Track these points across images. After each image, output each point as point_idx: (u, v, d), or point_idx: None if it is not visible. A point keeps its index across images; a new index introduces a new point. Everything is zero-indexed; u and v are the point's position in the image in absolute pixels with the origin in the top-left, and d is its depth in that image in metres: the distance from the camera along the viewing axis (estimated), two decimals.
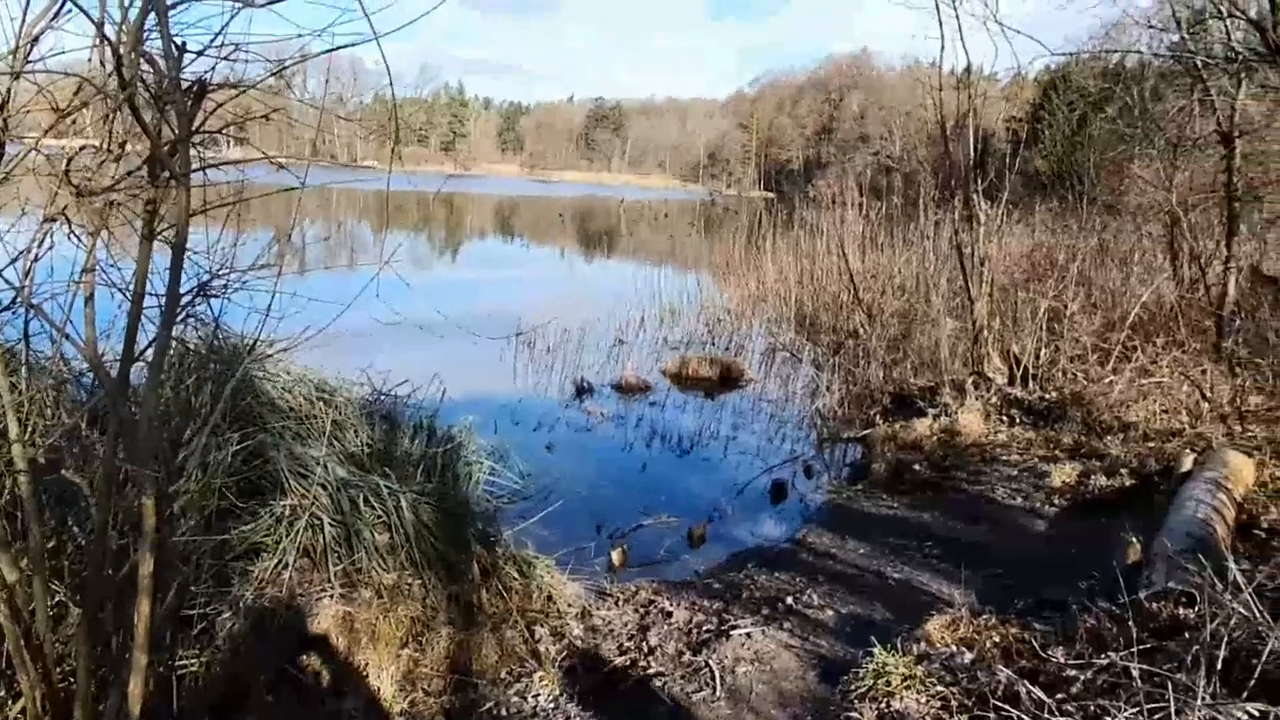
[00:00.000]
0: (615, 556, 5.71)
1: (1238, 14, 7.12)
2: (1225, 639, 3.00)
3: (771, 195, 68.27)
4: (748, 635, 4.42)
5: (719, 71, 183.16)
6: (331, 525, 4.25)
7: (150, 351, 2.16)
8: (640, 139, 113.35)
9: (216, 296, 2.52)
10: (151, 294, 2.22)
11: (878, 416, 8.95)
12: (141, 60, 2.06)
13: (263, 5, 2.04)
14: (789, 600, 4.94)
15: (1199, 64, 9.19)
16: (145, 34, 2.11)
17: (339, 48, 2.24)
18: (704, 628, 4.55)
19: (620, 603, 4.91)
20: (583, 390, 10.31)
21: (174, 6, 2.12)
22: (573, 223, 46.06)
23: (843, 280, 13.20)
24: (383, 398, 7.19)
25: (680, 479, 7.84)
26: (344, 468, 4.91)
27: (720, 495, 7.33)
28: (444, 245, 32.29)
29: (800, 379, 11.36)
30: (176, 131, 2.06)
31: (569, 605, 4.66)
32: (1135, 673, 2.94)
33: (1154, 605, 3.78)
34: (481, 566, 4.53)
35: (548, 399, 10.07)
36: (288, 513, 4.25)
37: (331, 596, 3.98)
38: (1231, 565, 3.34)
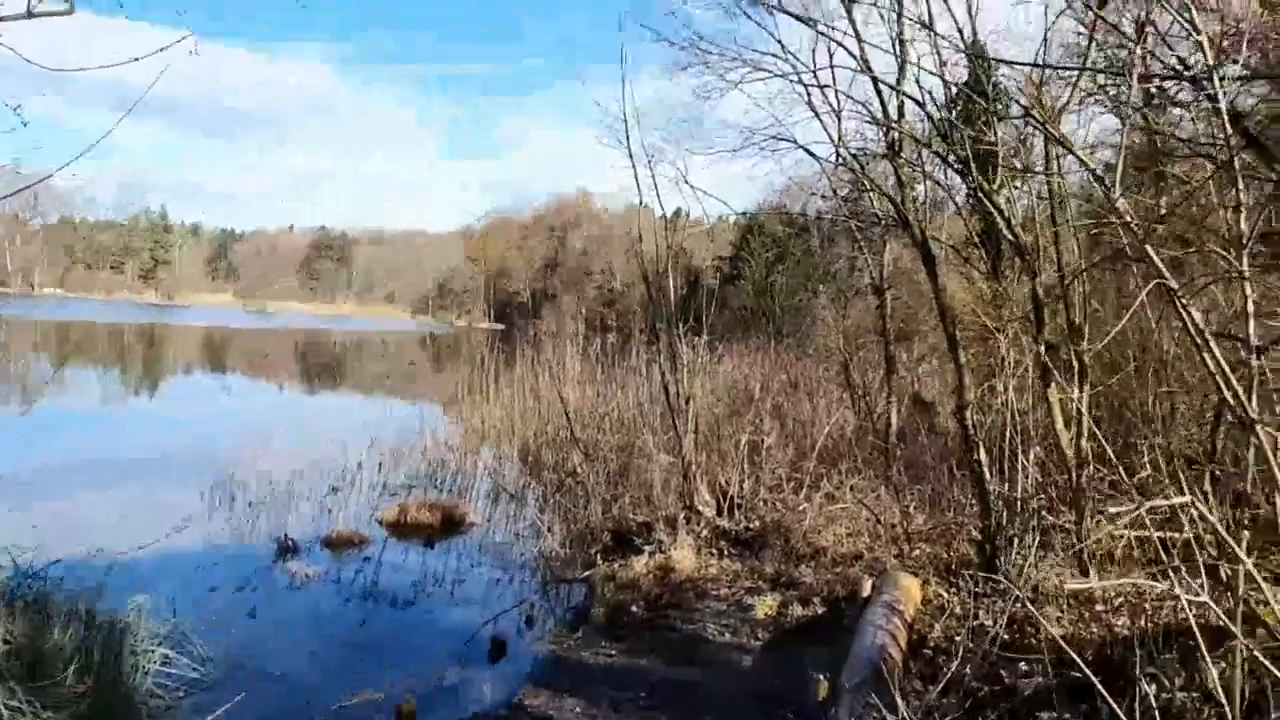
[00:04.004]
0: None
1: (878, 189, 8.43)
2: None
3: (501, 327, 69.25)
4: None
5: (450, 205, 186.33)
6: None
7: None
8: (368, 270, 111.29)
9: None
10: None
11: (598, 556, 9.00)
12: None
13: None
14: None
15: (854, 226, 10.72)
16: None
17: None
18: None
19: None
20: (287, 549, 9.43)
21: None
22: (288, 359, 43.53)
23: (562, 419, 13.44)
24: (29, 581, 6.13)
25: (395, 642, 7.31)
26: None
27: (438, 656, 6.90)
28: (139, 382, 29.11)
29: (524, 519, 11.23)
30: None
31: None
32: None
33: None
34: None
35: (248, 562, 9.08)
36: None
37: None
38: (899, 699, 3.62)
